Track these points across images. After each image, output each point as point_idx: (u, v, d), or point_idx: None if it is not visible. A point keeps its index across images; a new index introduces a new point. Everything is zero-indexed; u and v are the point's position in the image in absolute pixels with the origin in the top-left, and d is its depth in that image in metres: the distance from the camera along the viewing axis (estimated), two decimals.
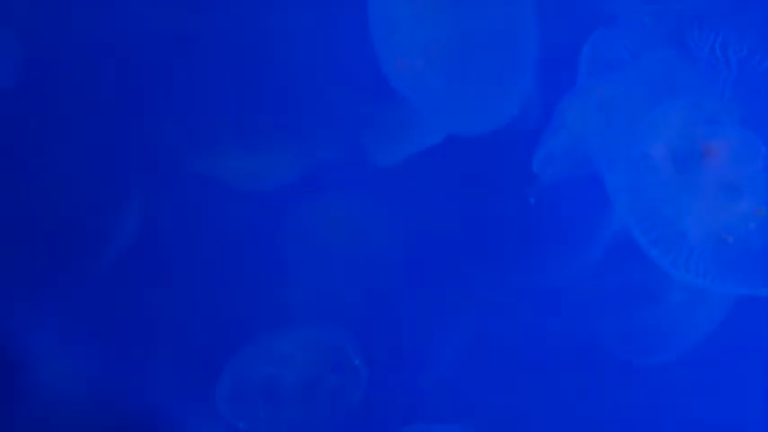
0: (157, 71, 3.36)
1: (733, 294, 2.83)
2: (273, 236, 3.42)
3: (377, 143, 3.08)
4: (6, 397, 3.33)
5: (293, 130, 3.36)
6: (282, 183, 3.38)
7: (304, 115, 3.36)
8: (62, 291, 3.36)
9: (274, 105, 3.37)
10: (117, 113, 3.38)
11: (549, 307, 3.29)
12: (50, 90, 3.36)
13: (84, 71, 3.36)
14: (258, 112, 3.38)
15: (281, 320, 3.37)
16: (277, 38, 3.34)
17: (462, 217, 3.36)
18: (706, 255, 2.70)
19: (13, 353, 3.35)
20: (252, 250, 3.41)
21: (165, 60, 3.35)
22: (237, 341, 3.31)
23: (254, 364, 3.24)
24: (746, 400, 3.33)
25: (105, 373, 3.36)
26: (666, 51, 2.74)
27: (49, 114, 3.38)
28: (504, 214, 3.29)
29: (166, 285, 3.39)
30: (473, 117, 2.93)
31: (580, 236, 3.06)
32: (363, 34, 2.95)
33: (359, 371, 3.17)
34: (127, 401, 3.35)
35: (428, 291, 3.38)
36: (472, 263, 3.36)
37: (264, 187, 3.39)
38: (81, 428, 3.35)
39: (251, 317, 3.37)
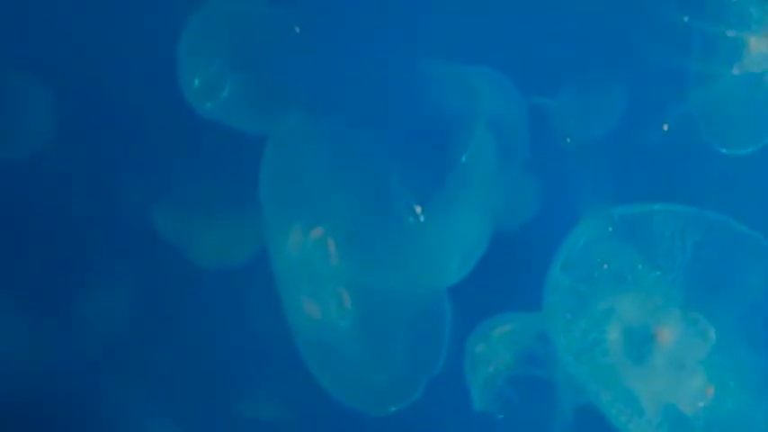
0: (124, 139, 3.41)
1: None
2: (236, 312, 3.43)
3: None
4: None
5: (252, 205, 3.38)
6: (244, 259, 3.38)
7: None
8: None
9: (234, 180, 3.37)
10: (88, 184, 3.45)
11: None
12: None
13: (68, 144, 3.42)
14: (217, 186, 3.40)
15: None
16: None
17: None
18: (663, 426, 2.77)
19: None
20: (211, 326, 3.45)
21: (132, 131, 3.40)
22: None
23: None
24: None
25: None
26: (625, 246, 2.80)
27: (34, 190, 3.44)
28: None
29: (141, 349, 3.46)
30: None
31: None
32: None
33: None
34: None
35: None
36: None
37: (227, 264, 3.42)
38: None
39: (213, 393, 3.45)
